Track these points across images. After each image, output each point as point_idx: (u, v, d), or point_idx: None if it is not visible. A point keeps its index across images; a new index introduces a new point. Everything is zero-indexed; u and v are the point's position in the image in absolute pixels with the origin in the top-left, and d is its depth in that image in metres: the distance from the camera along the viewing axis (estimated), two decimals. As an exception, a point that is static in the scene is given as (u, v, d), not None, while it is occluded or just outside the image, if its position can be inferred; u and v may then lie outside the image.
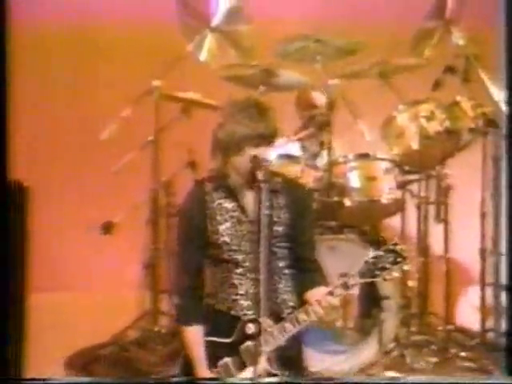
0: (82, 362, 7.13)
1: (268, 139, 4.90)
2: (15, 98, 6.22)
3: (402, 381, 5.71)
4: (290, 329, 4.86)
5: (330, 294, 4.78)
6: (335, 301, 4.82)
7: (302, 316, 4.83)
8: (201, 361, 4.97)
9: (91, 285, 8.39)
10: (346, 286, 4.80)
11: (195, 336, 4.98)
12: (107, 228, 7.47)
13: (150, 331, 7.26)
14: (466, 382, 5.54)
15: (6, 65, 6.49)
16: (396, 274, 5.20)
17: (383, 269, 4.79)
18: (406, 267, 5.66)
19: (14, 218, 6.40)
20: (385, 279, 5.38)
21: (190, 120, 7.35)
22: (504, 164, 7.21)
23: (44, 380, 5.30)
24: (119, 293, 7.83)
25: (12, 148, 7.44)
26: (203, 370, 4.96)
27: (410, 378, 6.04)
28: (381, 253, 4.76)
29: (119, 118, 7.22)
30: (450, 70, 7.10)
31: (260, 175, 4.76)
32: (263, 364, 4.84)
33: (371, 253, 4.81)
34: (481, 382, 5.57)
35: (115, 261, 8.21)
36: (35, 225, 6.29)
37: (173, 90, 7.38)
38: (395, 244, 4.79)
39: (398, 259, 4.78)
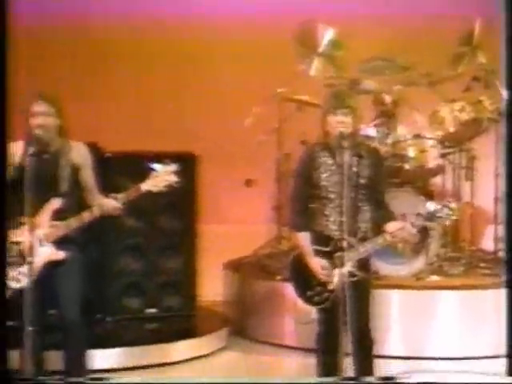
0: (235, 265, 7.74)
1: (351, 110, 5.17)
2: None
3: (399, 380, 5.31)
4: (369, 247, 5.14)
5: (401, 228, 5.09)
6: (405, 234, 5.13)
7: (379, 240, 5.14)
8: (309, 254, 5.16)
9: (239, 220, 8.42)
10: (413, 225, 5.11)
11: (304, 238, 5.21)
12: (249, 183, 7.99)
13: (276, 248, 7.62)
14: (468, 382, 5.16)
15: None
16: (448, 222, 5.91)
17: (440, 217, 5.06)
18: (454, 217, 6.55)
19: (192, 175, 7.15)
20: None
21: (302, 114, 7.53)
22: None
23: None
24: (256, 225, 7.94)
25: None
26: (311, 260, 5.15)
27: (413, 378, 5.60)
28: (439, 206, 5.02)
29: (256, 112, 7.38)
30: (475, 79, 7.49)
31: (345, 144, 5.09)
32: (348, 267, 5.08)
33: (433, 205, 5.05)
34: (481, 382, 5.18)
35: (254, 204, 8.15)
36: (206, 179, 7.24)
37: (291, 94, 7.54)
38: (449, 202, 5.12)
39: (450, 212, 5.05)
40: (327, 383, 5.12)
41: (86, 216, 5.17)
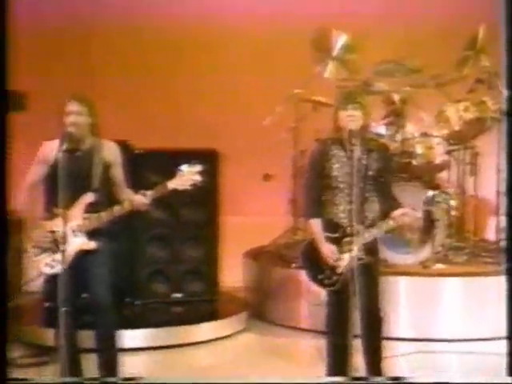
0: (254, 254, 7.79)
1: (361, 106, 5.20)
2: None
3: (404, 381, 5.16)
4: (374, 232, 5.19)
5: (404, 214, 5.17)
6: (407, 219, 5.18)
7: (384, 225, 5.18)
8: (321, 240, 5.19)
9: (258, 212, 8.57)
10: (414, 209, 5.21)
11: (316, 225, 5.24)
12: (266, 177, 8.06)
13: (291, 239, 7.62)
14: (468, 382, 5.01)
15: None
16: (445, 206, 5.98)
17: (438, 202, 5.30)
18: (451, 202, 6.65)
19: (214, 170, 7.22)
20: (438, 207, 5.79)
21: (317, 114, 7.55)
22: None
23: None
24: (274, 217, 7.90)
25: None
26: (323, 245, 5.17)
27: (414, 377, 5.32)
28: (437, 192, 5.30)
29: (275, 112, 7.44)
30: (479, 81, 7.50)
31: (355, 139, 5.16)
32: (355, 252, 5.13)
33: (432, 192, 5.52)
34: (481, 382, 5.04)
35: (272, 198, 8.13)
36: (228, 174, 7.28)
37: (307, 95, 7.59)
38: (446, 188, 5.47)
39: (447, 197, 5.33)
40: (335, 383, 5.12)
41: (117, 210, 5.24)
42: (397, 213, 5.15)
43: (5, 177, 4.64)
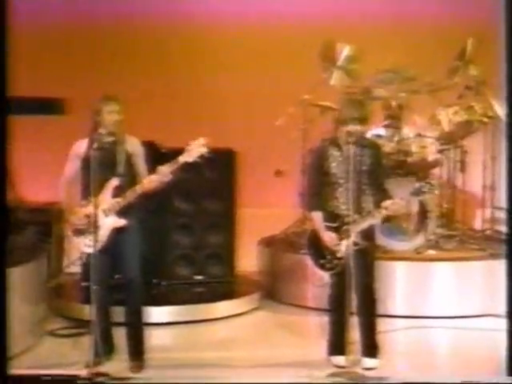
0: (267, 242, 7.73)
1: (361, 120, 5.21)
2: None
3: (407, 380, 5.02)
4: (369, 221, 5.19)
5: (393, 204, 5.13)
6: (395, 208, 5.14)
7: (376, 214, 5.17)
8: (322, 229, 5.24)
9: (271, 204, 8.43)
10: (402, 199, 5.17)
11: (317, 217, 5.30)
12: (278, 173, 8.11)
13: (300, 228, 7.47)
14: (468, 382, 4.79)
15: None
16: (431, 195, 5.88)
17: (424, 192, 5.11)
18: (436, 192, 6.54)
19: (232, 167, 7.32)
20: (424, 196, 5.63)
21: (324, 117, 7.39)
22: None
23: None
24: (285, 209, 7.82)
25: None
26: (323, 233, 5.20)
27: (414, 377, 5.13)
28: (423, 183, 5.09)
29: (288, 114, 7.38)
30: (468, 88, 7.45)
31: (350, 140, 5.15)
32: (353, 238, 5.14)
33: (418, 183, 5.15)
34: (481, 382, 4.81)
35: (283, 191, 8.05)
36: (244, 170, 7.38)
37: (315, 100, 7.52)
38: (432, 179, 5.39)
39: (432, 187, 5.10)
40: (336, 383, 5.05)
41: (139, 188, 5.26)
42: (387, 203, 5.15)
43: (5, 176, 4.53)
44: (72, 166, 5.42)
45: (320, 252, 5.31)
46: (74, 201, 5.42)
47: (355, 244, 5.17)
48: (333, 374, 5.22)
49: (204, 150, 5.18)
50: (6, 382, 3.68)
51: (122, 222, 5.34)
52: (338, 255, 5.23)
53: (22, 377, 4.07)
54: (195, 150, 5.18)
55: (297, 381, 5.09)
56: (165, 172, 5.23)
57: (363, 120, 5.22)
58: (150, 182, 5.25)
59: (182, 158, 5.21)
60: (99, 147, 5.17)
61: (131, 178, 5.36)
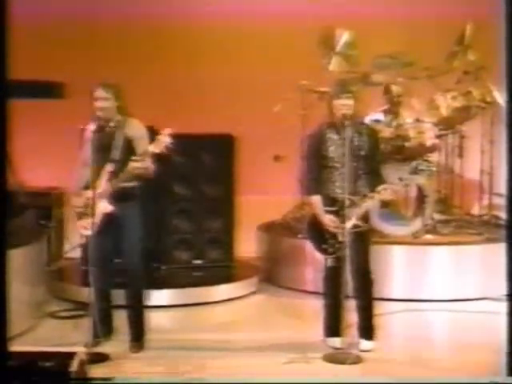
0: (266, 227, 7.80)
1: (351, 93, 5.21)
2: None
3: (409, 381, 4.87)
4: (366, 204, 5.23)
5: (387, 188, 5.17)
6: (389, 192, 5.18)
7: (372, 198, 5.21)
8: (321, 213, 5.25)
9: (270, 190, 8.29)
10: (400, 179, 5.27)
11: (317, 201, 5.31)
12: (277, 158, 8.02)
13: (299, 213, 7.49)
14: (468, 382, 4.72)
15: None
16: (428, 173, 5.82)
17: (421, 170, 5.31)
18: (434, 169, 6.57)
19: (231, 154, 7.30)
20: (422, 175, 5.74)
21: (323, 102, 6.66)
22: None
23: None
24: (284, 195, 7.75)
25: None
26: (323, 217, 5.22)
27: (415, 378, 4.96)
28: (420, 161, 5.31)
29: (285, 100, 7.31)
30: (466, 73, 7.50)
31: (347, 123, 5.20)
32: (353, 220, 5.19)
33: (415, 162, 5.35)
34: (481, 382, 4.67)
35: (282, 177, 7.92)
36: (243, 156, 7.37)
37: (313, 85, 7.47)
38: (428, 157, 5.27)
39: (430, 164, 5.29)
40: (339, 383, 4.98)
41: (123, 175, 5.27)
42: (381, 187, 5.21)
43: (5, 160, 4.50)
44: (84, 151, 5.46)
45: (321, 236, 5.30)
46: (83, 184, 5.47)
47: (356, 226, 5.18)
48: (328, 355, 5.27)
49: (168, 141, 5.13)
50: (7, 359, 3.70)
51: (109, 207, 5.36)
52: (339, 239, 5.23)
53: (22, 354, 4.11)
54: (161, 141, 5.15)
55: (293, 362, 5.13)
56: (141, 160, 5.19)
57: (356, 96, 5.26)
58: (133, 168, 5.24)
59: (151, 149, 5.19)
60: (96, 131, 5.22)
61: (125, 164, 5.31)
